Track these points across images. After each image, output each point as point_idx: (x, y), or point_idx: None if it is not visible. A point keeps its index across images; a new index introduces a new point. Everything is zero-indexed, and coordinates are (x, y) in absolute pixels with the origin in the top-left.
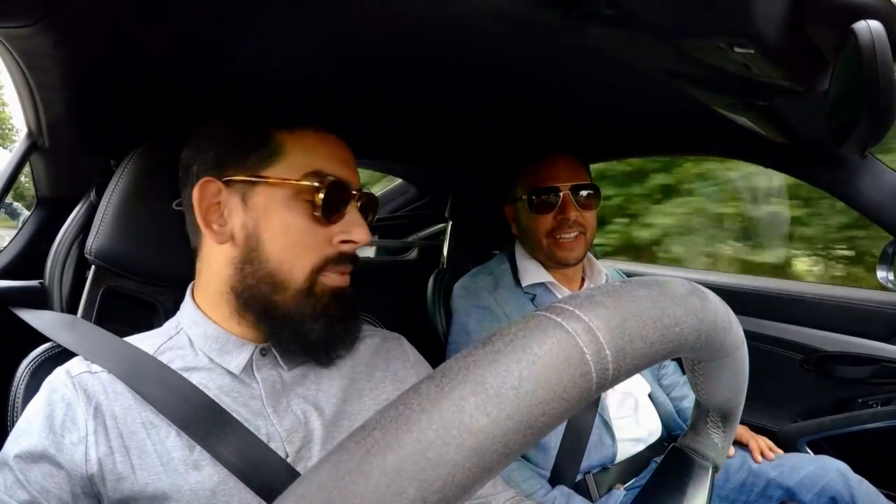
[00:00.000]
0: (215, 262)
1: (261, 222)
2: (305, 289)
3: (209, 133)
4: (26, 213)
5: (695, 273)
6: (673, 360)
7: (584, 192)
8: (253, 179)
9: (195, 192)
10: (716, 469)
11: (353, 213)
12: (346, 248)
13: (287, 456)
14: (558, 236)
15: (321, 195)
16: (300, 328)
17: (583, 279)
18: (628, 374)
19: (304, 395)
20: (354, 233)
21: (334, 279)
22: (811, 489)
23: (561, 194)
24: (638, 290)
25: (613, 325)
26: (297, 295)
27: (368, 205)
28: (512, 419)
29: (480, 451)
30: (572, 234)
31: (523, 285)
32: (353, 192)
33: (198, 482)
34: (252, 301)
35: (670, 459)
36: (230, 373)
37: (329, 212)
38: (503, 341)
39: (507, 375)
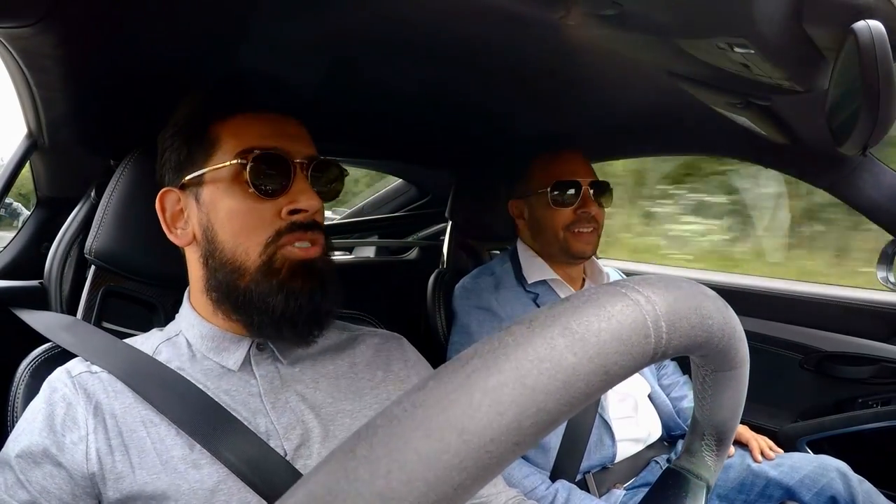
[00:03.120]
0: (192, 265)
1: (211, 215)
2: (264, 265)
3: (164, 141)
4: (26, 212)
5: (695, 273)
6: (674, 360)
7: (600, 189)
8: (198, 177)
9: (157, 205)
10: (708, 489)
11: (298, 182)
12: (296, 217)
13: (286, 454)
14: (576, 229)
15: (247, 171)
16: (265, 306)
17: (583, 280)
18: (675, 351)
19: (302, 392)
20: (301, 200)
21: (294, 252)
22: (811, 489)
23: (582, 189)
24: (680, 282)
25: (667, 303)
26: (256, 274)
27: (325, 172)
28: (593, 362)
29: (568, 386)
30: (589, 228)
31: (528, 282)
32: (298, 161)
33: (197, 481)
34: (223, 292)
35: (666, 479)
36: (228, 370)
37: (265, 186)
38: (581, 299)
39: (589, 324)
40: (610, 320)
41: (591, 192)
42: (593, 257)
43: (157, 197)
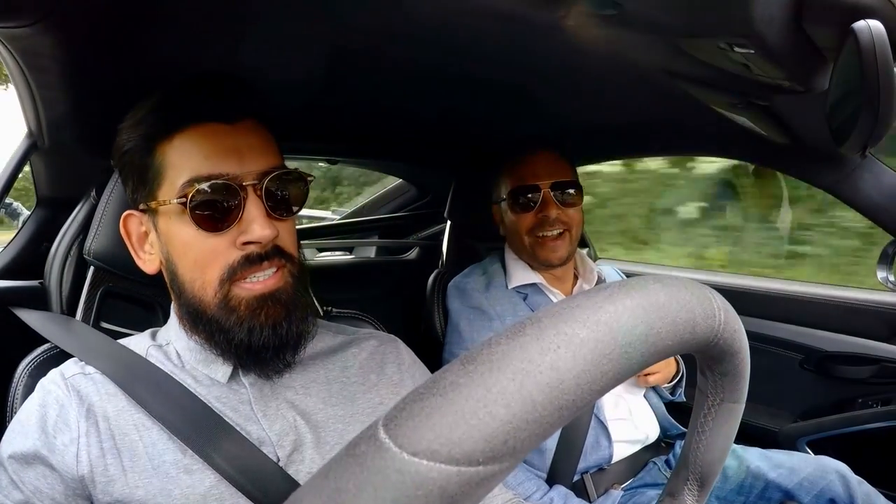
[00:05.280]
0: (168, 287)
1: (169, 246)
2: (221, 302)
3: (116, 158)
4: (26, 212)
5: (695, 273)
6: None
7: (565, 190)
8: (151, 206)
9: (121, 228)
10: None
11: (250, 209)
12: (250, 249)
13: (279, 460)
14: (540, 234)
15: (189, 210)
16: (228, 340)
17: (575, 277)
18: (724, 343)
19: (292, 399)
20: (254, 231)
21: (250, 288)
22: (810, 491)
23: (541, 193)
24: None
25: (724, 303)
26: (216, 309)
27: (284, 182)
28: (690, 314)
29: (675, 325)
30: (555, 231)
31: (510, 287)
32: (248, 184)
33: (189, 486)
34: (192, 320)
35: None
36: (218, 382)
37: (213, 222)
38: (670, 277)
39: (682, 289)
40: (693, 294)
41: (554, 193)
42: (584, 256)
43: (121, 221)
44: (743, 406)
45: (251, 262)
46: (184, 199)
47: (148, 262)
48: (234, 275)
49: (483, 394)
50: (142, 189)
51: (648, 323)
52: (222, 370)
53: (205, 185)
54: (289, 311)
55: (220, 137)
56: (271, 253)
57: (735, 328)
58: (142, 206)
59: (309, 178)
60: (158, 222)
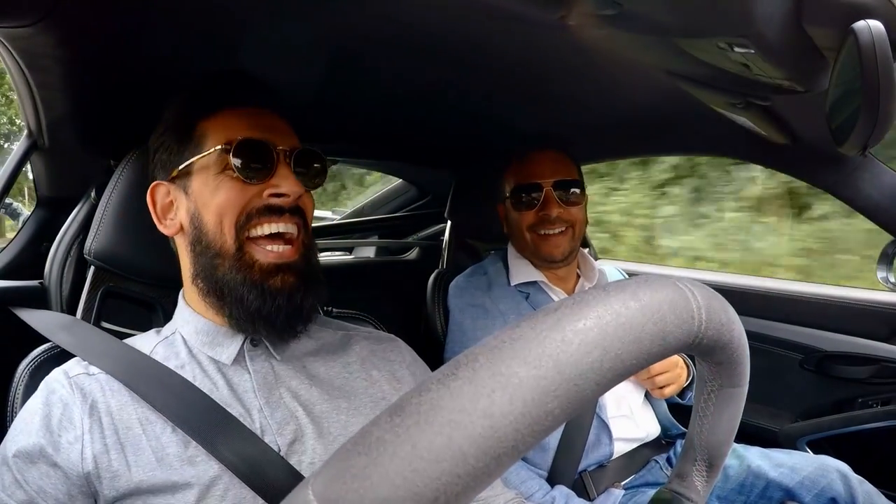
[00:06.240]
0: (182, 256)
1: (199, 202)
2: (235, 254)
3: (155, 142)
4: (26, 212)
5: (695, 272)
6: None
7: (568, 188)
8: (187, 167)
9: (148, 198)
10: None
11: (281, 169)
12: (274, 200)
13: (279, 449)
14: (542, 231)
15: (230, 156)
16: (239, 299)
17: (577, 277)
18: (709, 341)
19: (296, 389)
20: (283, 185)
21: (264, 254)
22: (811, 490)
23: (543, 191)
24: (711, 289)
25: (705, 299)
26: (232, 262)
27: (308, 162)
28: (657, 326)
29: (638, 341)
30: (556, 230)
31: (513, 284)
32: (281, 149)
33: (193, 477)
34: (205, 279)
35: (657, 502)
36: (223, 365)
37: (249, 170)
38: (643, 279)
39: (653, 297)
40: (666, 298)
41: (556, 192)
42: (586, 255)
43: (149, 190)
44: (745, 389)
45: (272, 210)
46: (227, 147)
47: (169, 226)
48: (250, 220)
49: (409, 451)
50: (178, 158)
51: (604, 347)
52: (228, 352)
53: (244, 140)
54: (305, 280)
55: (257, 116)
56: (294, 209)
57: (721, 322)
58: (176, 172)
59: (327, 163)
60: (191, 184)
